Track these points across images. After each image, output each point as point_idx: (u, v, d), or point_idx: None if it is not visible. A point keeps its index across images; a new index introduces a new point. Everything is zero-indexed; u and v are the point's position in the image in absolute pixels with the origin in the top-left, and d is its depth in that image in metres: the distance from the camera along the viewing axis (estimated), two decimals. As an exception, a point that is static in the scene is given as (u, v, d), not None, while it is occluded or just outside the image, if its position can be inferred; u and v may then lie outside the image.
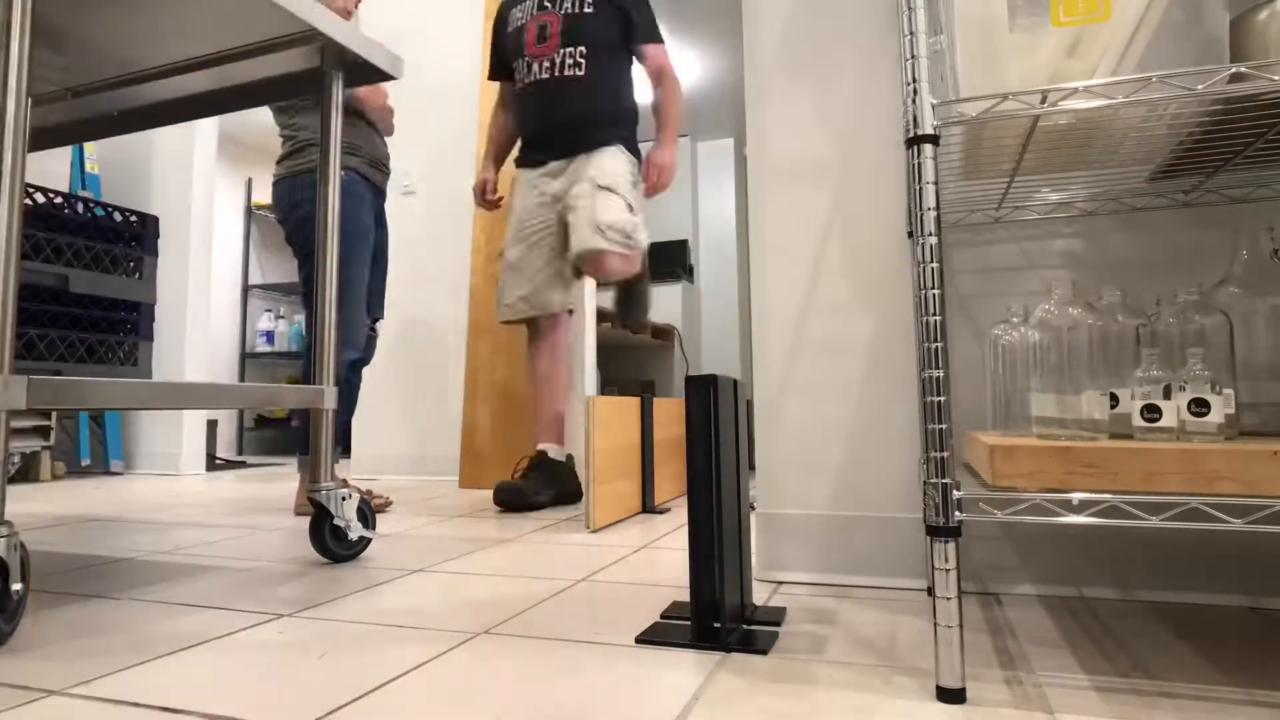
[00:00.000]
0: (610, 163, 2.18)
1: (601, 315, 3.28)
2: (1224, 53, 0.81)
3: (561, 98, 2.19)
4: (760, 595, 1.18)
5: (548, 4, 2.23)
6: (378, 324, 2.36)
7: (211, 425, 4.06)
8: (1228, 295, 0.97)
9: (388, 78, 1.57)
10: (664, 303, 4.91)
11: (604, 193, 2.13)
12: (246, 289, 5.10)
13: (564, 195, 2.20)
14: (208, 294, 3.65)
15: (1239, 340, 0.95)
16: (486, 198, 2.41)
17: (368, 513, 1.50)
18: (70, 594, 1.23)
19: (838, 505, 1.26)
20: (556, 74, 2.19)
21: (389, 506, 2.22)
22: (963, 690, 0.76)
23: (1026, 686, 0.79)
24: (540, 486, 2.16)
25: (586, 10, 2.19)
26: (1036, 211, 1.18)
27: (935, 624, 0.76)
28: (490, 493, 2.59)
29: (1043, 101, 0.80)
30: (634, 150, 2.28)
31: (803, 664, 0.87)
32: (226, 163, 5.00)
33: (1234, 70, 0.74)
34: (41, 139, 1.86)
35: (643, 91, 2.24)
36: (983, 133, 0.91)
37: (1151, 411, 0.84)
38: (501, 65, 2.37)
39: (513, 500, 2.10)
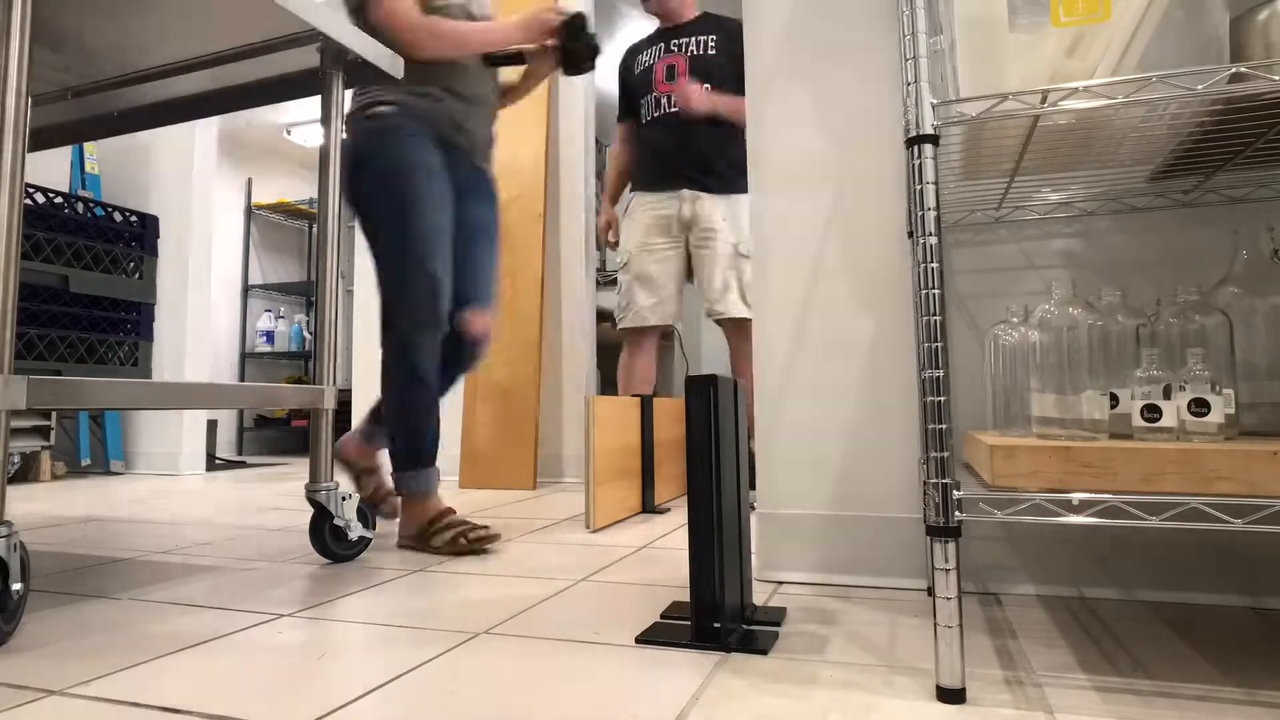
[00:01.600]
0: (747, 225, 2.32)
1: (601, 315, 3.28)
2: (1224, 53, 0.81)
3: (690, 131, 2.36)
4: (760, 595, 1.18)
5: (674, 48, 2.38)
6: (473, 315, 1.73)
7: (211, 425, 4.05)
8: (1228, 295, 0.97)
9: (388, 78, 1.56)
10: (664, 303, 4.90)
11: (747, 261, 2.31)
12: (246, 289, 5.09)
13: (693, 225, 2.40)
14: (208, 294, 3.65)
15: (1239, 340, 0.95)
16: (610, 238, 2.60)
17: (368, 513, 1.50)
18: (70, 594, 1.23)
19: (838, 505, 1.26)
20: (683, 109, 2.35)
21: (490, 542, 1.57)
22: (963, 690, 0.76)
23: (1026, 686, 0.79)
24: None
25: (710, 53, 2.33)
26: (1036, 211, 1.18)
27: (935, 624, 0.76)
28: (492, 493, 2.59)
29: (1043, 101, 0.80)
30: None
31: (803, 664, 0.87)
32: (226, 163, 4.99)
33: (1234, 70, 0.74)
34: (41, 139, 1.86)
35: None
36: (983, 133, 0.91)
37: (1151, 411, 0.84)
38: (629, 107, 2.53)
39: None
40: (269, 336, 5.07)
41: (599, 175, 3.53)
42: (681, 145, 2.37)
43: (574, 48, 1.69)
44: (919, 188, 0.80)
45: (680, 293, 2.46)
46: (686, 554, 1.35)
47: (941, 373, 0.78)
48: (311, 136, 5.13)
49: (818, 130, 1.30)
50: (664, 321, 2.42)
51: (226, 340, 4.99)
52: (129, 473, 3.55)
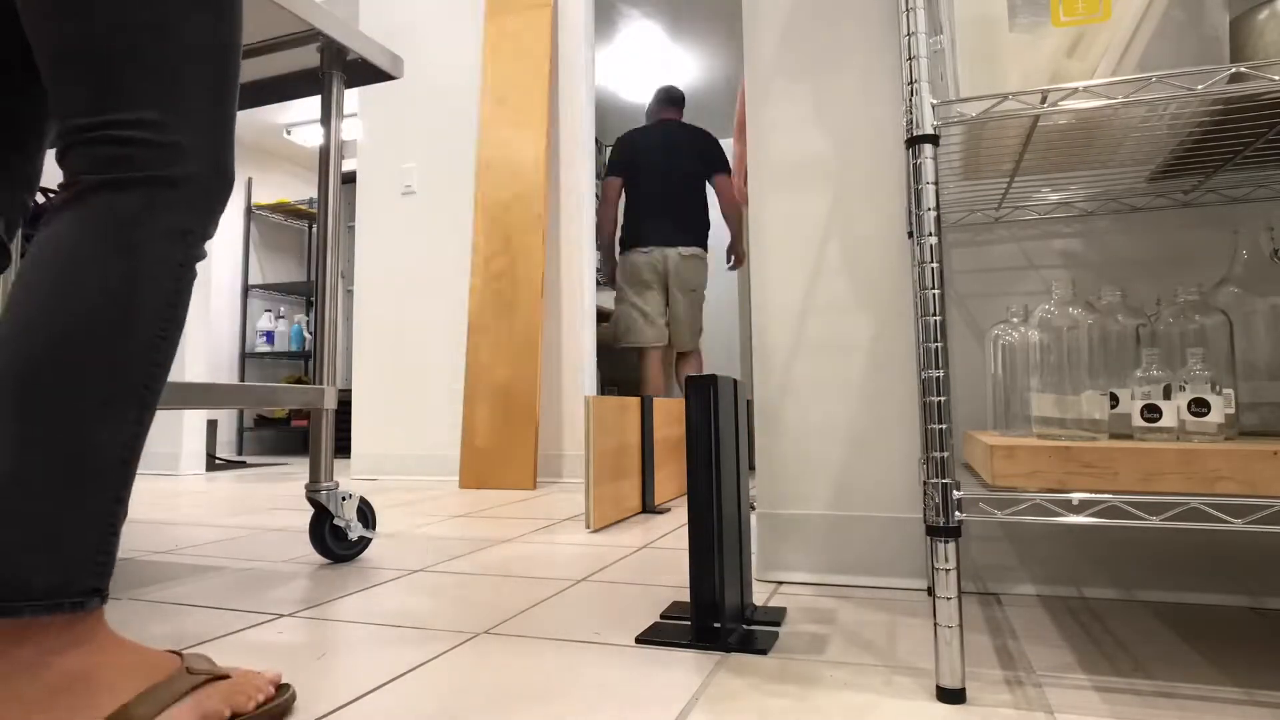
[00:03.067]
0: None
1: (601, 315, 3.28)
2: (1224, 53, 0.81)
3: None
4: (760, 595, 1.18)
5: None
6: None
7: (211, 425, 4.06)
8: (1228, 295, 0.97)
9: (388, 78, 1.57)
10: (664, 303, 4.90)
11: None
12: (246, 289, 5.10)
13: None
14: (208, 294, 3.65)
15: (1239, 340, 0.95)
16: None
17: (368, 513, 1.50)
18: (70, 594, 1.22)
19: (838, 505, 1.26)
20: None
21: None
22: (963, 690, 0.76)
23: (1026, 686, 0.79)
24: None
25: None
26: (1036, 211, 1.18)
27: (935, 624, 0.76)
28: (492, 493, 2.59)
29: (1043, 101, 0.80)
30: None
31: (803, 664, 0.87)
32: (226, 163, 4.99)
33: (1234, 70, 0.74)
34: (41, 139, 1.86)
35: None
36: (983, 133, 0.91)
37: (1151, 411, 0.84)
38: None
39: None
40: (269, 336, 5.07)
41: (599, 176, 3.53)
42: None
43: None
44: (919, 188, 0.80)
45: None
46: (686, 554, 1.35)
47: (941, 373, 0.78)
48: (311, 136, 5.13)
49: (817, 130, 1.30)
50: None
51: (227, 340, 4.99)
52: (129, 473, 3.54)
